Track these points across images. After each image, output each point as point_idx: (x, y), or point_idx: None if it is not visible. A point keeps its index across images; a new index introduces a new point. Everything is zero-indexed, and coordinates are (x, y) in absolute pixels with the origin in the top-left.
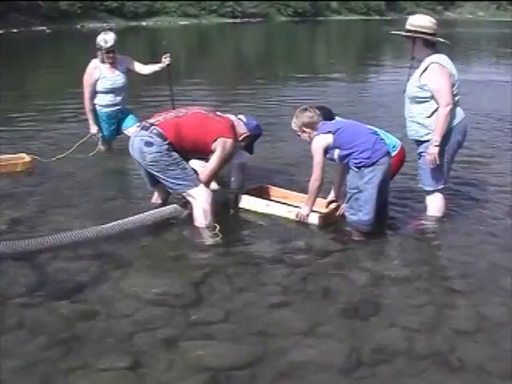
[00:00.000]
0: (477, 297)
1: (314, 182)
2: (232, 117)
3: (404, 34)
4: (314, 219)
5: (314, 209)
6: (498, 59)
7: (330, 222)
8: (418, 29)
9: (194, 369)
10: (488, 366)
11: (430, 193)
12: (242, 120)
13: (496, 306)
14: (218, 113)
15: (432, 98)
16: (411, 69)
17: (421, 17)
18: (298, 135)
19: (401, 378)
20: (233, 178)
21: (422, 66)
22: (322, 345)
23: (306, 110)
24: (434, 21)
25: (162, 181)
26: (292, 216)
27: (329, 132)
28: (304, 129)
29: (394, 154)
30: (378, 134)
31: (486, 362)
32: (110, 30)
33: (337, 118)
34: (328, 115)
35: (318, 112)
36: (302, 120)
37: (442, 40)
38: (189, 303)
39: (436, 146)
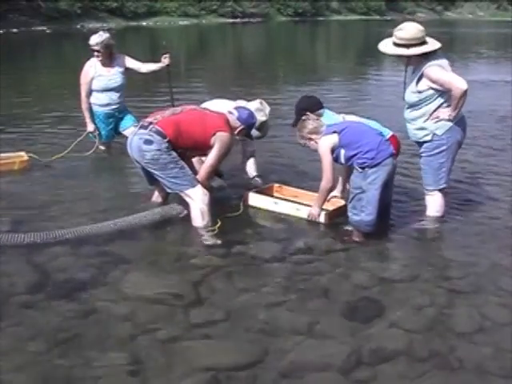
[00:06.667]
0: (477, 297)
1: (325, 185)
2: (224, 111)
3: (400, 54)
4: (323, 218)
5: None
6: (498, 59)
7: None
8: (411, 42)
9: (194, 369)
10: (488, 366)
11: (430, 192)
12: (233, 114)
13: (496, 306)
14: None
15: (429, 99)
16: (406, 74)
17: (409, 28)
18: (308, 146)
19: (401, 379)
20: (249, 166)
21: (419, 71)
22: (322, 345)
23: (305, 120)
24: (421, 28)
25: (161, 179)
26: (300, 214)
27: (334, 132)
28: (310, 136)
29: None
30: (383, 135)
31: (486, 362)
32: (109, 30)
33: (326, 110)
34: (317, 103)
35: (318, 118)
36: (305, 129)
37: (436, 47)
38: (189, 303)
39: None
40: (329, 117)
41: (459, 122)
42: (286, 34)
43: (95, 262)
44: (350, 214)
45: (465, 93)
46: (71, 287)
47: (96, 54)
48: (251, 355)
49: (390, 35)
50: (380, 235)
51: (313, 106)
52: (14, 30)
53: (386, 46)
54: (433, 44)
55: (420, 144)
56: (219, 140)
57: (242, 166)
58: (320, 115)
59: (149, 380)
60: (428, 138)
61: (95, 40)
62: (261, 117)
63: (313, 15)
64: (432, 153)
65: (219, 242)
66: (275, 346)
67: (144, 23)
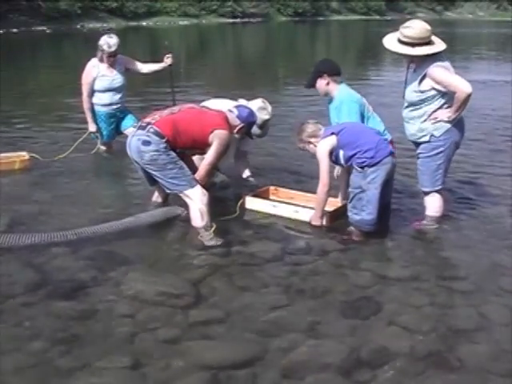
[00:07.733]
0: (477, 297)
1: (322, 189)
2: (224, 110)
3: (404, 53)
4: (325, 220)
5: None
6: (498, 59)
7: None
8: (417, 41)
9: (194, 368)
10: (488, 366)
11: (427, 193)
12: (233, 112)
13: (496, 305)
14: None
15: (431, 99)
16: (407, 73)
17: (416, 27)
18: (307, 150)
19: (401, 378)
20: (240, 165)
21: (422, 71)
22: (322, 345)
23: (303, 124)
24: (428, 27)
25: (160, 180)
26: (299, 216)
27: (332, 134)
28: (309, 140)
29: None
30: (381, 134)
31: (485, 362)
32: (112, 31)
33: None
34: (336, 68)
35: (316, 121)
36: (305, 133)
37: (442, 49)
38: (189, 303)
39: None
40: (347, 90)
41: (457, 123)
42: (286, 34)
43: (95, 262)
44: (350, 213)
45: (469, 96)
46: (71, 287)
47: (112, 58)
48: (251, 354)
49: (397, 30)
50: (380, 235)
51: (332, 69)
52: (14, 30)
53: (390, 42)
54: (438, 45)
55: (417, 144)
56: (217, 138)
57: (236, 164)
58: (336, 81)
59: (149, 380)
60: (426, 138)
61: (115, 46)
62: (264, 115)
63: (313, 15)
64: (429, 154)
65: (219, 241)
66: (275, 345)
67: (144, 23)
